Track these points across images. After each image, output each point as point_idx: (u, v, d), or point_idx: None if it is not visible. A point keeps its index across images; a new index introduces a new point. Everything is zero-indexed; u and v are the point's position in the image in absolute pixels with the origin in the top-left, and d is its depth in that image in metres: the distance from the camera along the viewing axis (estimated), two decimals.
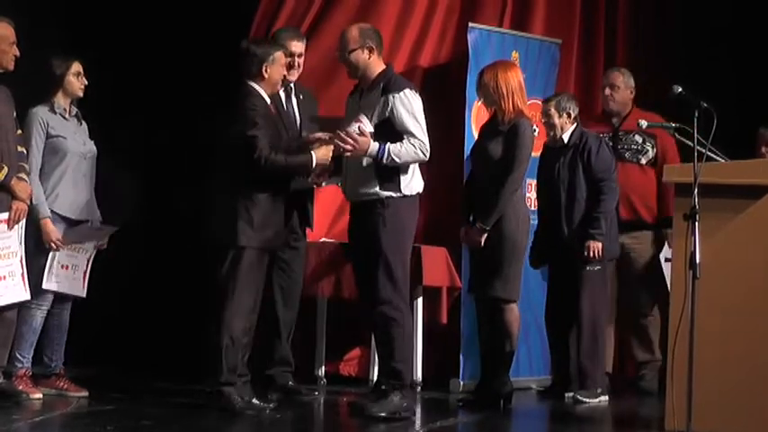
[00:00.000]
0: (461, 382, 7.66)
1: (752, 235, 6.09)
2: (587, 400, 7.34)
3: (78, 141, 6.86)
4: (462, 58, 7.94)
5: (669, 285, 7.83)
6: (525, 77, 7.69)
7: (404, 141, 6.35)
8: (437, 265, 7.51)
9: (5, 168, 6.34)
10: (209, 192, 6.48)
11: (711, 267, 5.83)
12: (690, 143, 5.93)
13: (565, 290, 7.48)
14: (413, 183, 6.45)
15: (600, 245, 7.36)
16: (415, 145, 6.36)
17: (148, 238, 8.24)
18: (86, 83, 6.89)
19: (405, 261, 6.42)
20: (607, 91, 8.12)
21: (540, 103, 8.12)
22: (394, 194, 6.38)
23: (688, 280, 5.76)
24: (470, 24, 7.98)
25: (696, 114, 5.82)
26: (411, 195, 6.44)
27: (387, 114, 6.38)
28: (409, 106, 6.40)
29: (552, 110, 7.57)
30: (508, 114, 6.99)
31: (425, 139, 6.40)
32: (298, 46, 7.07)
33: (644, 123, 6.64)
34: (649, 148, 8.03)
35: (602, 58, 8.82)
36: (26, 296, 6.49)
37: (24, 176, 6.48)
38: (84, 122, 6.99)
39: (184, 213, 7.77)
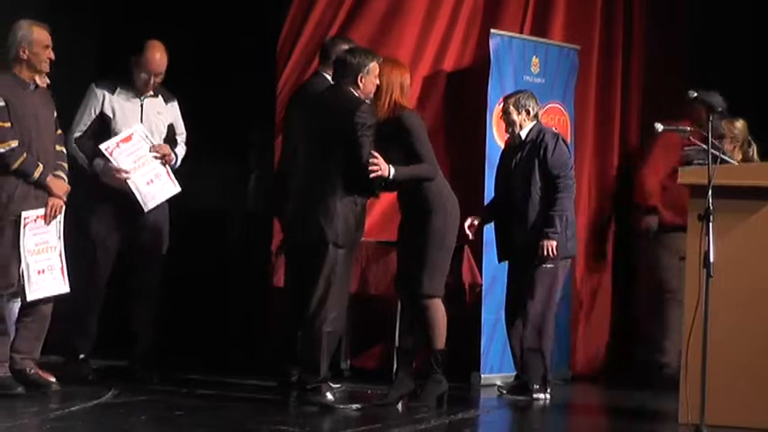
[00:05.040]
0: (482, 376, 7.82)
1: (764, 235, 6.21)
2: (520, 397, 7.28)
3: None
4: (484, 64, 8.03)
5: None
6: (544, 82, 7.82)
7: None
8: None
9: (40, 166, 6.50)
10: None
11: (724, 266, 5.96)
12: (704, 146, 6.07)
13: (520, 287, 7.37)
14: None
15: (554, 243, 7.21)
16: None
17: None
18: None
19: None
20: None
21: (558, 107, 8.30)
22: None
23: (702, 279, 5.89)
24: (492, 31, 8.06)
25: (710, 118, 5.96)
26: None
27: None
28: None
29: (511, 107, 7.41)
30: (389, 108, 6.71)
31: None
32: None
33: (660, 127, 6.53)
34: None
35: (620, 63, 8.89)
36: (66, 289, 6.61)
37: (62, 174, 6.64)
38: None
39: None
